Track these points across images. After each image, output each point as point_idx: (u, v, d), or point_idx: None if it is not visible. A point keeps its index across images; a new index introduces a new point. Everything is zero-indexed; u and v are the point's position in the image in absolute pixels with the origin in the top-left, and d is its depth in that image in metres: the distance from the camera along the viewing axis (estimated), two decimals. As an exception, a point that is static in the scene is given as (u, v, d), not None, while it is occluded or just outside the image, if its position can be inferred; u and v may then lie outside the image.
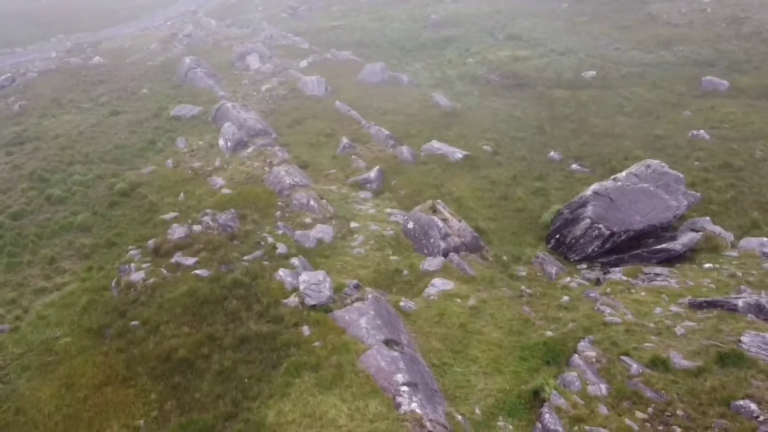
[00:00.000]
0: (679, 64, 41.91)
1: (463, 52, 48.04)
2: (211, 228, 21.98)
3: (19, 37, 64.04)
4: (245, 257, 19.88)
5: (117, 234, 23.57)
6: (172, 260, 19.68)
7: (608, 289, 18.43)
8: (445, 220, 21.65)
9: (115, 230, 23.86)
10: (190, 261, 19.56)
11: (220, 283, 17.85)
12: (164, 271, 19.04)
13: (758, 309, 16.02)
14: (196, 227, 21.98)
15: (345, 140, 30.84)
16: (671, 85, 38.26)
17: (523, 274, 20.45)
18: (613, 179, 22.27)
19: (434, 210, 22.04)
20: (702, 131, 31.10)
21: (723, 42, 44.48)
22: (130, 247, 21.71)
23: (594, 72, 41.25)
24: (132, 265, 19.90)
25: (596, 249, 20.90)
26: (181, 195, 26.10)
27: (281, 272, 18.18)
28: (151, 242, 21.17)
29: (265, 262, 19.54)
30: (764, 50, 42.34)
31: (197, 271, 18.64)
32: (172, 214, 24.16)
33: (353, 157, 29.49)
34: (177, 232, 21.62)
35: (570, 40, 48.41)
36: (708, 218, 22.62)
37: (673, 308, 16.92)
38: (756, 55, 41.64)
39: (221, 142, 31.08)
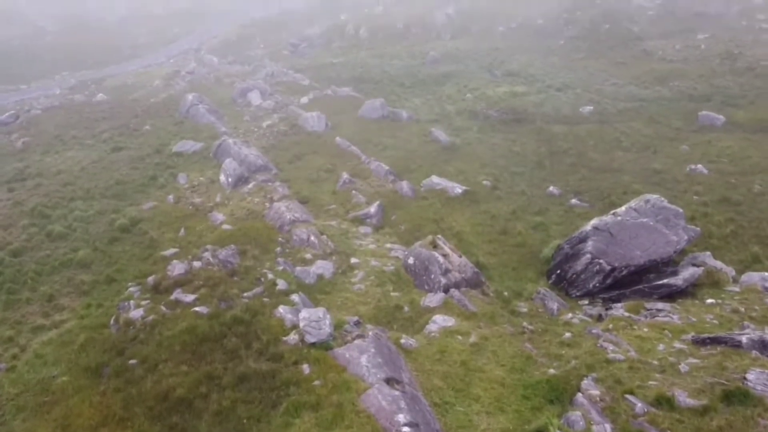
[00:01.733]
0: (675, 99, 42.48)
1: (462, 88, 48.73)
2: (211, 264, 21.93)
3: (24, 74, 65.07)
4: (245, 294, 19.78)
5: (117, 270, 23.49)
6: (172, 297, 19.57)
7: (610, 326, 18.29)
8: (445, 255, 21.62)
9: (115, 266, 23.79)
10: (190, 298, 19.45)
11: (219, 320, 17.71)
12: (164, 308, 18.91)
13: (762, 345, 15.87)
14: (196, 263, 21.93)
15: (345, 175, 31.03)
16: (668, 120, 38.70)
17: (525, 310, 20.31)
18: (613, 214, 22.33)
19: (435, 245, 22.03)
20: (700, 165, 31.32)
21: (718, 77, 45.17)
22: (129, 283, 21.62)
23: (591, 107, 41.78)
24: (131, 302, 19.79)
25: (597, 284, 20.82)
26: (182, 231, 26.11)
27: (281, 309, 18.06)
28: (150, 279, 21.10)
29: (265, 299, 19.44)
30: (759, 85, 42.95)
31: (197, 308, 18.52)
32: (172, 250, 24.13)
33: (353, 192, 29.62)
34: (177, 268, 21.55)
35: (567, 76, 49.16)
36: (709, 253, 22.59)
37: (677, 345, 16.76)
38: (751, 90, 42.23)
39: (222, 177, 31.26)
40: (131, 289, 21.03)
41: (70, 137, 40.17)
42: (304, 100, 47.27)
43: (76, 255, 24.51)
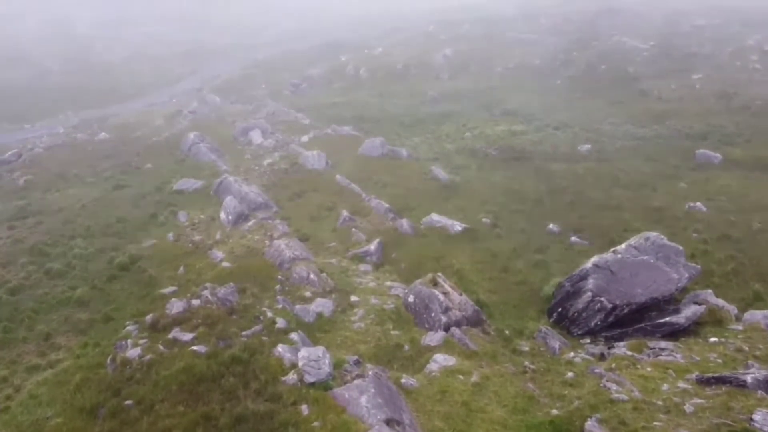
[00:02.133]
0: (672, 137, 42.91)
1: (461, 127, 49.28)
2: (210, 302, 21.78)
3: (28, 114, 65.87)
4: (244, 332, 19.59)
5: (115, 309, 23.37)
6: (170, 336, 19.38)
7: (613, 365, 18.07)
8: (445, 293, 21.50)
9: (113, 305, 23.66)
10: (188, 336, 19.26)
11: (217, 359, 17.49)
12: (161, 347, 18.70)
13: (768, 385, 15.66)
14: (195, 301, 21.78)
15: (345, 213, 31.12)
16: (666, 158, 39.00)
17: (526, 348, 20.10)
18: (613, 252, 22.30)
19: (435, 283, 21.93)
20: (699, 203, 31.44)
21: (714, 116, 45.72)
22: (127, 322, 21.45)
23: (589, 146, 42.18)
24: (129, 341, 19.59)
25: (599, 323, 20.65)
26: (181, 269, 26.05)
27: (280, 348, 17.87)
28: (149, 317, 20.92)
29: (264, 338, 19.26)
30: (755, 124, 43.45)
31: (195, 347, 18.32)
32: (171, 288, 24.05)
33: (353, 230, 29.66)
34: (175, 306, 21.41)
35: (565, 115, 49.76)
36: (710, 291, 22.46)
37: (681, 384, 16.53)
38: (746, 129, 42.70)
39: (222, 215, 31.36)
40: (129, 327, 20.85)
41: (72, 175, 40.46)
42: (305, 138, 47.73)
43: (74, 293, 24.40)
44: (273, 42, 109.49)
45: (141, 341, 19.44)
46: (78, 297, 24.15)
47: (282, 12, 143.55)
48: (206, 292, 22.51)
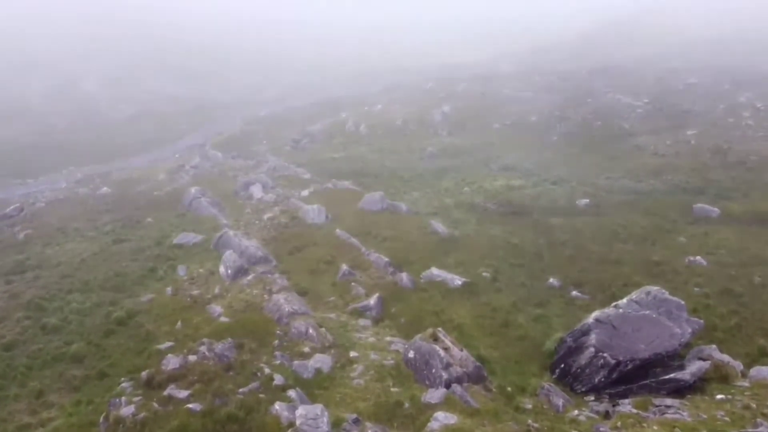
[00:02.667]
0: (670, 192, 43.26)
1: (460, 182, 49.76)
2: (207, 358, 21.46)
3: (32, 169, 66.61)
4: (241, 389, 19.23)
5: (110, 365, 23.00)
6: (165, 393, 19.01)
7: (619, 423, 17.63)
8: (446, 348, 21.19)
9: (108, 361, 23.30)
10: (184, 394, 18.89)
11: (213, 417, 17.13)
12: (156, 405, 18.31)
13: (778, 444, 15.27)
14: (192, 357, 21.46)
15: (345, 267, 31.05)
16: (664, 212, 39.18)
17: (529, 406, 19.65)
18: (615, 306, 22.12)
19: (435, 338, 21.64)
20: (699, 257, 31.39)
21: (710, 171, 46.24)
22: (122, 378, 21.09)
23: (587, 200, 42.48)
24: (123, 398, 19.18)
25: (603, 379, 20.27)
26: (179, 323, 25.79)
27: (277, 406, 17.51)
28: (144, 374, 20.57)
29: (261, 395, 18.88)
30: (750, 178, 43.90)
31: (190, 405, 17.95)
32: (167, 344, 23.74)
33: (353, 284, 29.53)
34: (171, 362, 21.08)
35: (562, 170, 50.33)
36: (714, 346, 22.16)
37: (689, 444, 16.13)
38: (743, 183, 43.10)
39: (222, 269, 31.27)
40: (123, 384, 20.48)
41: (72, 229, 40.57)
42: (305, 193, 48.14)
43: (69, 349, 24.08)
44: (274, 99, 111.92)
45: (135, 398, 19.04)
46: (73, 353, 23.80)
47: (282, 69, 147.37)
48: (203, 348, 22.21)
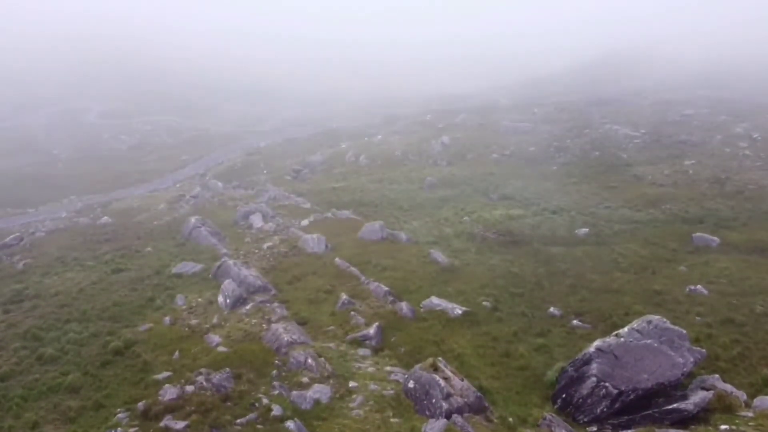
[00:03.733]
0: (669, 221, 43.36)
1: (459, 211, 49.87)
2: (204, 388, 21.24)
3: (32, 199, 66.71)
4: (238, 420, 19.00)
5: (106, 395, 22.68)
6: (161, 424, 18.78)
7: (622, 454, 17.37)
8: (446, 378, 20.96)
9: (104, 391, 22.99)
10: (180, 425, 18.64)
11: (210, 449, 16.84)
12: (152, 437, 18.05)
13: (785, 476, 14.99)
14: (189, 388, 21.24)
15: (344, 296, 30.90)
16: (664, 242, 39.20)
17: (531, 437, 19.37)
18: (616, 335, 21.95)
19: (435, 368, 21.41)
20: (699, 286, 31.28)
21: (708, 200, 46.44)
22: (118, 409, 20.80)
23: (587, 229, 42.53)
24: (119, 429, 18.95)
25: (605, 409, 19.99)
26: (176, 353, 25.54)
27: (275, 437, 17.24)
28: (140, 404, 20.33)
29: (259, 426, 18.66)
30: (749, 208, 44.06)
31: (187, 436, 17.69)
32: (165, 374, 23.48)
33: (352, 313, 29.34)
34: (168, 393, 20.87)
35: (561, 200, 50.51)
36: (717, 376, 21.98)
37: (694, 476, 15.85)
38: (742, 213, 43.24)
39: (220, 299, 31.11)
40: (120, 415, 20.21)
41: (72, 259, 40.49)
42: (305, 222, 48.20)
43: (65, 379, 23.79)
44: (275, 130, 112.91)
45: (131, 430, 18.81)
46: (69, 383, 23.51)
47: (282, 102, 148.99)
48: (201, 378, 22.01)
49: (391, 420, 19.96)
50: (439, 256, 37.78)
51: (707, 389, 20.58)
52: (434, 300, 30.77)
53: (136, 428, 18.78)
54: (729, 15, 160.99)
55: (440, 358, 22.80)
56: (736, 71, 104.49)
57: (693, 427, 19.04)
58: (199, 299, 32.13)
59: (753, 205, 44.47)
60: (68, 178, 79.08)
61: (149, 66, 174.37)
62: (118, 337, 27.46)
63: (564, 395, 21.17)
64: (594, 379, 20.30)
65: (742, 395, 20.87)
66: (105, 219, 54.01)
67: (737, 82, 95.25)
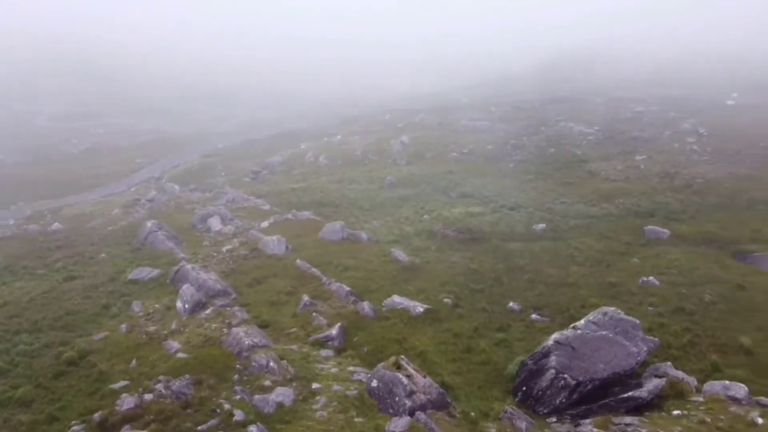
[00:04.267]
0: (622, 215, 44.59)
1: (419, 210, 50.19)
2: (163, 396, 20.81)
3: (-23, 207, 64.07)
4: (199, 427, 18.70)
5: (60, 408, 21.94)
6: (119, 434, 18.30)
7: (581, 444, 17.80)
8: (409, 376, 21.08)
9: (58, 404, 22.23)
10: (139, 434, 18.22)
11: (170, 457, 16.52)
12: (109, 447, 17.59)
13: (733, 457, 15.62)
14: (148, 396, 20.78)
15: (306, 298, 30.73)
16: (617, 235, 40.30)
17: (493, 431, 19.65)
18: (573, 328, 22.48)
19: (398, 366, 21.51)
20: (651, 278, 32.27)
21: (659, 194, 47.94)
22: (73, 422, 20.18)
23: (544, 225, 43.37)
24: (74, 442, 18.37)
25: (564, 400, 20.46)
26: (134, 362, 24.93)
27: (237, 442, 17.03)
28: (97, 415, 19.80)
29: None
30: (697, 201, 45.69)
31: (146, 445, 17.31)
32: (122, 383, 22.89)
33: (314, 314, 29.19)
34: (126, 402, 20.39)
35: (519, 197, 51.38)
36: (669, 363, 22.72)
37: (649, 461, 16.37)
38: (690, 206, 44.81)
39: (179, 304, 30.50)
40: (75, 428, 19.64)
41: (21, 267, 39.07)
42: (265, 224, 47.71)
43: (15, 393, 22.92)
44: (233, 131, 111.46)
45: (87, 441, 18.26)
46: (20, 396, 22.65)
47: (239, 103, 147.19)
48: (160, 386, 21.57)
49: (355, 420, 19.95)
50: (400, 254, 37.94)
51: (660, 377, 21.29)
52: (396, 299, 30.88)
53: (93, 440, 18.28)
54: (679, 18, 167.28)
55: (403, 357, 22.91)
56: (684, 69, 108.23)
57: (647, 413, 19.66)
58: (157, 305, 31.43)
59: (701, 198, 46.11)
60: (15, 183, 76.19)
61: (103, 68, 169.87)
62: (71, 347, 26.61)
63: (524, 388, 21.57)
64: (553, 371, 20.75)
65: (693, 381, 21.63)
66: (56, 225, 52.31)
67: (686, 79, 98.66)
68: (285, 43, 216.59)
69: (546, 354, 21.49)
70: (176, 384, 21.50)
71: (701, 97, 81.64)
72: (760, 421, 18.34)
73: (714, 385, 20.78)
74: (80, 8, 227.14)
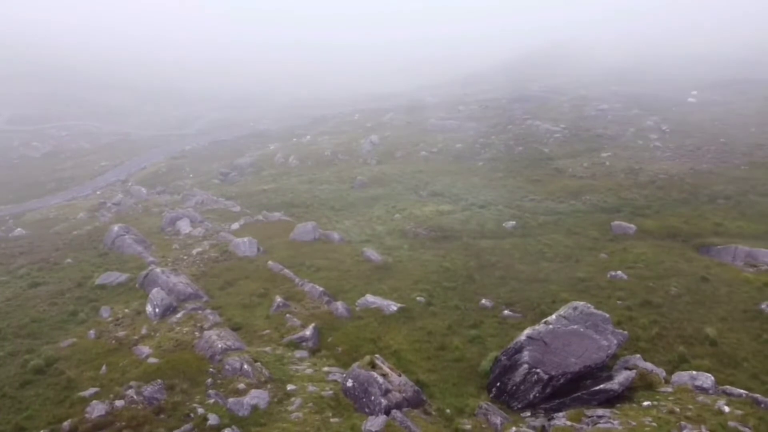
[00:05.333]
0: (589, 211, 45.43)
1: (390, 209, 50.30)
2: (135, 402, 20.45)
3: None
4: (173, 432, 18.39)
5: (27, 417, 21.35)
6: (90, 442, 17.91)
7: (555, 436, 18.10)
8: (384, 375, 21.14)
9: (25, 413, 21.63)
10: (111, 442, 17.86)
11: (144, 464, 16.24)
12: (80, 456, 17.20)
13: (701, 444, 16.08)
14: (119, 403, 20.40)
15: (279, 299, 30.52)
16: (585, 231, 41.05)
17: (468, 427, 19.84)
18: (545, 323, 22.82)
19: (373, 365, 21.55)
20: (619, 272, 32.96)
21: (624, 190, 48.99)
22: (41, 430, 19.64)
23: (514, 222, 43.91)
24: (43, 451, 17.91)
25: (538, 394, 20.77)
26: (103, 368, 24.41)
27: (213, 446, 16.84)
28: (66, 424, 19.36)
29: (195, 436, 18.12)
30: (661, 196, 46.82)
31: (118, 453, 16.97)
32: (92, 390, 22.39)
33: (288, 315, 29.01)
34: (96, 409, 19.98)
35: (488, 194, 51.90)
36: (638, 355, 23.29)
37: (621, 451, 16.73)
38: (655, 201, 45.91)
39: (149, 308, 29.96)
40: (43, 437, 19.11)
41: (-19, 275, 37.90)
42: (235, 226, 47.20)
43: (-21, 404, 22.22)
44: (200, 133, 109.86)
45: (57, 451, 17.82)
46: (-16, 407, 22.00)
47: (206, 104, 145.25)
48: (131, 392, 21.20)
49: (331, 420, 19.92)
50: (372, 254, 37.97)
51: (630, 369, 21.78)
52: (369, 298, 30.91)
53: (63, 449, 17.84)
54: (642, 19, 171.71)
55: (377, 356, 22.97)
56: (646, 68, 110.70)
57: (619, 405, 20.09)
58: (126, 310, 30.81)
59: (664, 194, 47.28)
60: (-26, 188, 73.79)
61: (62, 70, 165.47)
62: (38, 354, 25.91)
63: (498, 384, 21.82)
64: (526, 366, 21.03)
65: (661, 372, 22.21)
66: (18, 231, 50.90)
67: (648, 77, 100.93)
68: (252, 46, 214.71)
69: (519, 349, 21.78)
70: (148, 389, 21.15)
71: (663, 95, 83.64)
72: (726, 409, 18.92)
73: (682, 376, 21.38)
74: (41, 11, 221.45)
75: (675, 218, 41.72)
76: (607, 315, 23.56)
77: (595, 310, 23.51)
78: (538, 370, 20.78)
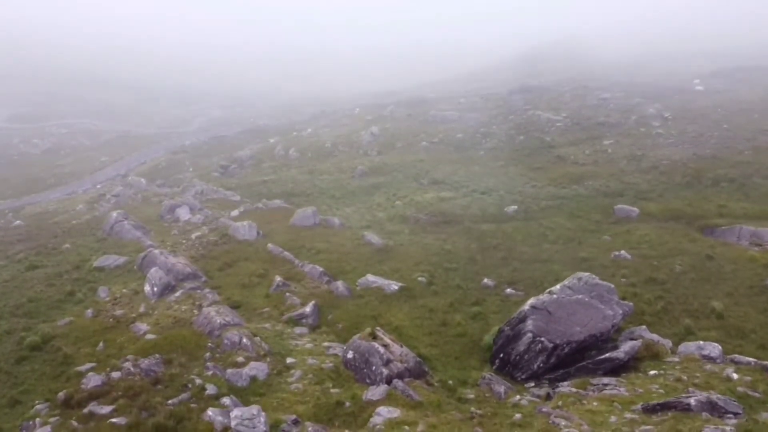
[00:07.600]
0: (591, 196, 44.98)
1: (391, 197, 49.91)
2: (132, 374, 20.10)
3: (-68, 206, 61.36)
4: (170, 401, 18.08)
5: (23, 391, 21.01)
6: (85, 411, 17.63)
7: (560, 402, 17.74)
8: (385, 345, 20.75)
9: (21, 387, 21.30)
10: (106, 410, 17.55)
11: (139, 429, 15.95)
12: (75, 423, 16.91)
13: (711, 406, 15.70)
14: (115, 374, 20.07)
15: (278, 279, 30.16)
16: (588, 214, 40.61)
17: (471, 396, 19.45)
18: (549, 292, 22.45)
19: (374, 336, 21.17)
20: (623, 252, 32.55)
21: (627, 176, 48.54)
22: (36, 401, 19.30)
23: (515, 207, 43.49)
24: (37, 420, 17.61)
25: (542, 364, 20.37)
26: (101, 345, 24.04)
27: (210, 412, 16.54)
28: (61, 394, 18.98)
29: (193, 404, 17.83)
30: (664, 181, 46.38)
31: (114, 420, 16.69)
32: (88, 365, 22.03)
33: (287, 294, 28.65)
34: (92, 380, 19.66)
35: (490, 182, 51.45)
36: (644, 327, 22.90)
37: (628, 415, 16.38)
38: (657, 185, 45.45)
39: (147, 287, 29.59)
40: (38, 407, 18.78)
41: (-21, 261, 37.55)
42: (235, 213, 46.84)
43: (-26, 379, 21.87)
44: (200, 130, 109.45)
45: (51, 419, 17.54)
46: (-20, 383, 21.65)
47: (207, 102, 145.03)
48: (128, 364, 20.87)
49: (331, 390, 19.58)
50: (373, 237, 37.60)
51: (635, 339, 21.38)
52: (370, 278, 30.54)
53: (57, 417, 17.51)
54: (641, 11, 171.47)
55: (378, 328, 22.59)
56: (648, 60, 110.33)
57: (624, 374, 19.71)
58: (124, 290, 30.42)
59: (667, 179, 46.81)
60: (-26, 185, 73.35)
61: (62, 69, 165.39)
62: (34, 332, 25.51)
63: (501, 354, 21.43)
64: (530, 335, 20.64)
65: (668, 343, 21.83)
66: (17, 222, 50.51)
67: (650, 69, 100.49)
68: (252, 47, 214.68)
69: (522, 319, 21.39)
70: (145, 362, 20.80)
71: (665, 84, 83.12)
72: (735, 376, 18.55)
73: (689, 346, 20.98)
74: (41, 11, 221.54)
75: (678, 201, 41.28)
76: (612, 285, 23.35)
77: (600, 281, 23.22)
78: (542, 339, 20.37)
